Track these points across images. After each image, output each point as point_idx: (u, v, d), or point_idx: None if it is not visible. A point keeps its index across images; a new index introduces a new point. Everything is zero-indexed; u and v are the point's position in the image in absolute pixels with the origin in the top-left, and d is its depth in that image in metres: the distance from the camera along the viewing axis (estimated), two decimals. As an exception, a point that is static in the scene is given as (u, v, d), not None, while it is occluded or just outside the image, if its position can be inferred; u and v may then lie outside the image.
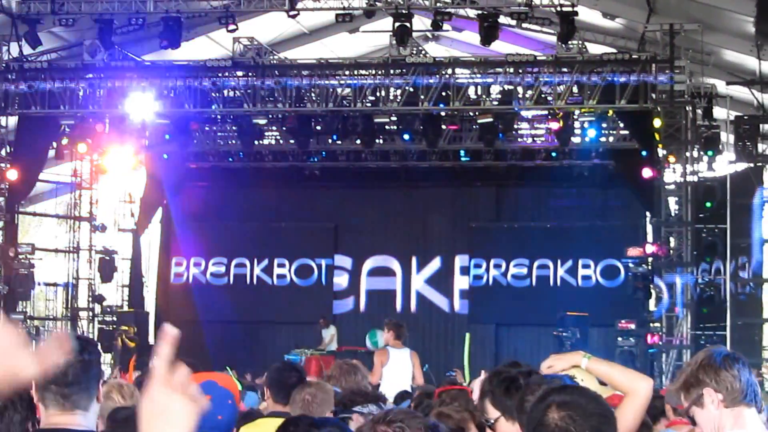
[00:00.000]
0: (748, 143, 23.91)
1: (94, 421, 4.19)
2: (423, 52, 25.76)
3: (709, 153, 24.48)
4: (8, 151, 26.83)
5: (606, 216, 29.17)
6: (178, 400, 2.22)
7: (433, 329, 29.58)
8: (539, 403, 3.48)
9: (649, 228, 27.21)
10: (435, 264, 30.56)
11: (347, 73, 25.64)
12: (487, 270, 29.94)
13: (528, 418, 3.56)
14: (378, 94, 25.57)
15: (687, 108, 24.78)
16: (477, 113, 26.25)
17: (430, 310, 30.11)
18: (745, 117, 24.57)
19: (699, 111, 24.98)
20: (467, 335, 21.65)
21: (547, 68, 24.63)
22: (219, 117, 27.58)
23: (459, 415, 6.08)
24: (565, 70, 24.54)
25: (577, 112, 25.94)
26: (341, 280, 30.86)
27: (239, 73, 25.62)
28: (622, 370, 5.08)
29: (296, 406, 6.34)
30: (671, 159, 25.05)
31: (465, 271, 30.21)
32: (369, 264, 30.66)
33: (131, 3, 24.13)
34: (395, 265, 30.55)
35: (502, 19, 24.05)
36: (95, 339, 25.74)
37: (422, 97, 24.91)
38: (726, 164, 25.41)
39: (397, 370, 13.09)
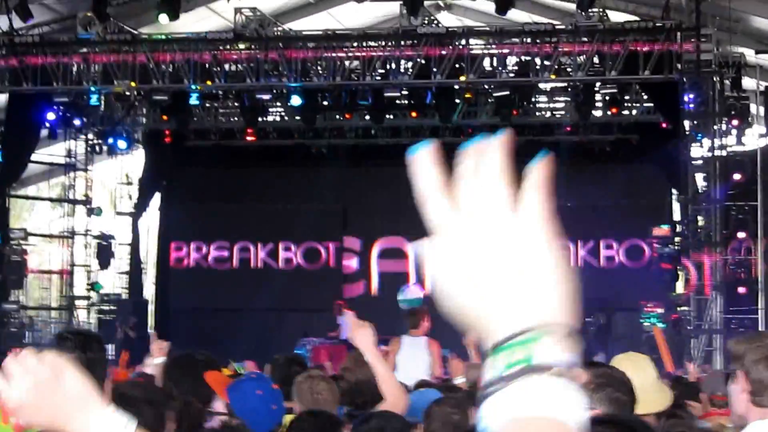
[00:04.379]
0: (780, 115, 23.16)
1: None
2: (435, 22, 25.19)
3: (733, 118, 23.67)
4: (-2, 130, 26.21)
5: (629, 193, 28.25)
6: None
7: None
8: None
9: (676, 205, 26.54)
10: (449, 245, 29.56)
11: (355, 44, 24.86)
12: (505, 251, 28.99)
13: None
14: (388, 66, 24.79)
15: (714, 78, 24.01)
16: (492, 86, 25.34)
17: (446, 293, 29.13)
18: (776, 87, 23.80)
19: (727, 81, 24.20)
20: None
21: (566, 38, 23.92)
22: (220, 93, 26.96)
23: None
24: (585, 39, 23.78)
25: (598, 84, 25.01)
26: (351, 263, 29.87)
27: (241, 46, 24.91)
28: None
29: (305, 400, 6.23)
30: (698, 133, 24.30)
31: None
32: (379, 246, 29.70)
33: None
34: (407, 247, 29.57)
35: (518, -14, 23.45)
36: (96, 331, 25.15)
37: (434, 69, 24.10)
38: (756, 137, 24.68)
39: (409, 359, 12.35)
